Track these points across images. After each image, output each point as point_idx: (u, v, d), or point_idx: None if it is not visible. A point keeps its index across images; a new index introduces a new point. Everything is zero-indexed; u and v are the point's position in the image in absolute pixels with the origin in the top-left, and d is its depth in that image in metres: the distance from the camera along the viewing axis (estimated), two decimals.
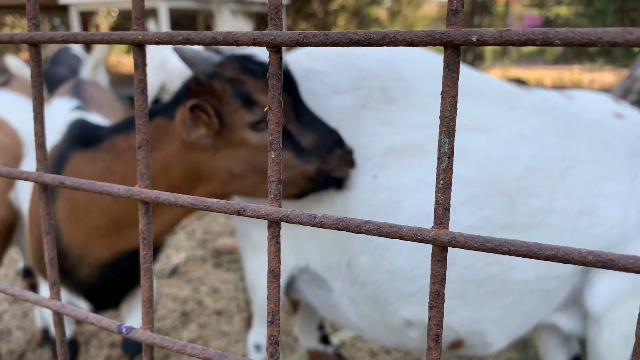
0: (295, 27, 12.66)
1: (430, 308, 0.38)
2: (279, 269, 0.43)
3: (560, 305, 1.42)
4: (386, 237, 0.37)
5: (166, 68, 5.81)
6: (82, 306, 1.59)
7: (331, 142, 1.27)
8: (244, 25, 1.46)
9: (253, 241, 1.50)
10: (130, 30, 0.44)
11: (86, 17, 10.37)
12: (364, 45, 0.36)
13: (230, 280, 3.00)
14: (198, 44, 0.41)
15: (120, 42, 0.45)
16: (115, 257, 1.48)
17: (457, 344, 1.41)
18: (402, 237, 0.37)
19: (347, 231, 0.39)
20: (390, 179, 1.29)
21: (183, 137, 1.28)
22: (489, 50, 13.43)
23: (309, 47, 0.39)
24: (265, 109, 1.23)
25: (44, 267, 1.53)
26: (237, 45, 0.40)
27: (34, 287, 2.39)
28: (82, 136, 1.48)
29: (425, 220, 1.26)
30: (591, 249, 0.32)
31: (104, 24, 14.29)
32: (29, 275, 2.40)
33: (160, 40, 0.43)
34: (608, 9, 4.42)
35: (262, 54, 1.27)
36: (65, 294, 1.58)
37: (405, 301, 1.33)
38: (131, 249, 1.48)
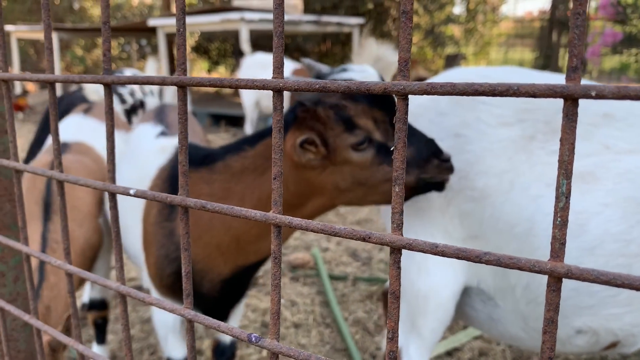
0: (358, 51, 12.75)
1: (544, 333, 0.42)
2: (399, 291, 0.48)
3: None
4: (505, 267, 0.41)
5: None
6: None
7: (428, 153, 1.37)
8: (388, 52, 1.55)
9: (417, 262, 1.60)
10: (272, 77, 0.51)
11: (171, 38, 10.95)
12: (489, 96, 0.41)
13: (306, 294, 3.07)
14: (334, 91, 0.47)
15: (262, 88, 0.52)
16: (234, 272, 1.60)
17: (612, 345, 1.51)
18: (520, 268, 0.41)
19: (468, 260, 0.43)
20: (574, 204, 1.40)
21: (294, 158, 1.42)
22: (566, 67, 13.01)
23: (436, 95, 0.44)
24: (364, 132, 1.35)
25: (164, 283, 1.64)
26: (369, 93, 0.46)
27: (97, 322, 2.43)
28: (191, 157, 1.62)
29: (609, 240, 1.37)
30: None
31: (186, 45, 15.06)
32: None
33: (298, 87, 0.50)
34: None
35: (362, 77, 1.36)
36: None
37: (582, 313, 1.45)
38: (249, 264, 1.60)
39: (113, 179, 0.67)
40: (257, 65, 6.65)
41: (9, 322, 1.08)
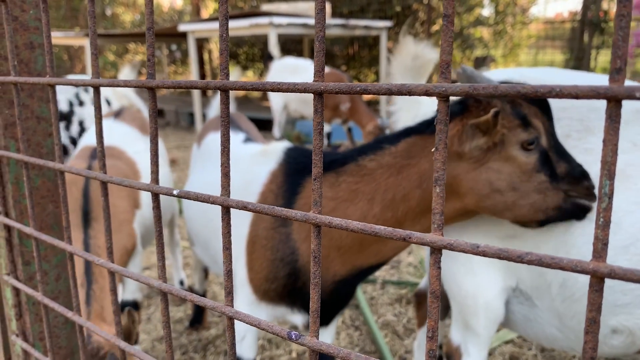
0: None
1: (586, 333, 0.42)
2: (439, 291, 0.49)
3: None
4: (547, 267, 0.42)
5: None
6: (298, 320, 1.71)
7: (580, 173, 1.37)
8: (425, 50, 1.55)
9: (462, 264, 1.60)
10: (313, 81, 0.53)
11: (200, 43, 11.10)
12: (531, 97, 0.41)
13: None
14: (374, 94, 0.48)
15: (304, 91, 0.53)
16: (350, 273, 1.60)
17: None
18: (562, 268, 0.41)
19: (509, 260, 0.43)
20: None
21: (453, 148, 1.40)
22: (599, 68, 12.79)
23: (478, 97, 0.45)
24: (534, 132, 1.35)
25: (273, 286, 1.65)
26: (410, 95, 0.47)
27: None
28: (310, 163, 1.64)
29: None
30: None
31: (215, 49, 15.23)
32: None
33: (340, 90, 0.51)
34: None
35: (529, 80, 1.41)
36: (281, 309, 1.70)
37: (616, 311, 1.44)
38: (367, 266, 1.59)
39: (156, 180, 0.69)
40: (286, 69, 6.69)
41: (51, 319, 1.12)
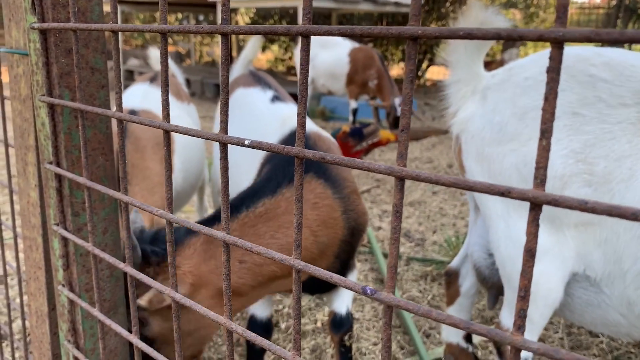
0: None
1: None
2: (535, 248, 0.47)
3: None
4: None
5: (314, 64, 6.00)
6: None
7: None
8: (492, 17, 1.49)
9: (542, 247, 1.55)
10: (408, 25, 0.50)
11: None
12: None
13: (360, 271, 3.08)
14: (480, 39, 0.46)
15: (398, 36, 0.51)
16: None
17: None
18: None
19: (622, 218, 0.41)
20: None
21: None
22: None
23: (599, 43, 0.42)
24: None
25: None
26: (521, 40, 0.44)
27: None
28: None
29: None
30: None
31: (241, 20, 15.11)
32: None
33: (440, 35, 0.48)
34: None
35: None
36: None
37: None
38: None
39: (225, 130, 0.68)
40: (316, 43, 6.63)
41: (98, 272, 1.12)
